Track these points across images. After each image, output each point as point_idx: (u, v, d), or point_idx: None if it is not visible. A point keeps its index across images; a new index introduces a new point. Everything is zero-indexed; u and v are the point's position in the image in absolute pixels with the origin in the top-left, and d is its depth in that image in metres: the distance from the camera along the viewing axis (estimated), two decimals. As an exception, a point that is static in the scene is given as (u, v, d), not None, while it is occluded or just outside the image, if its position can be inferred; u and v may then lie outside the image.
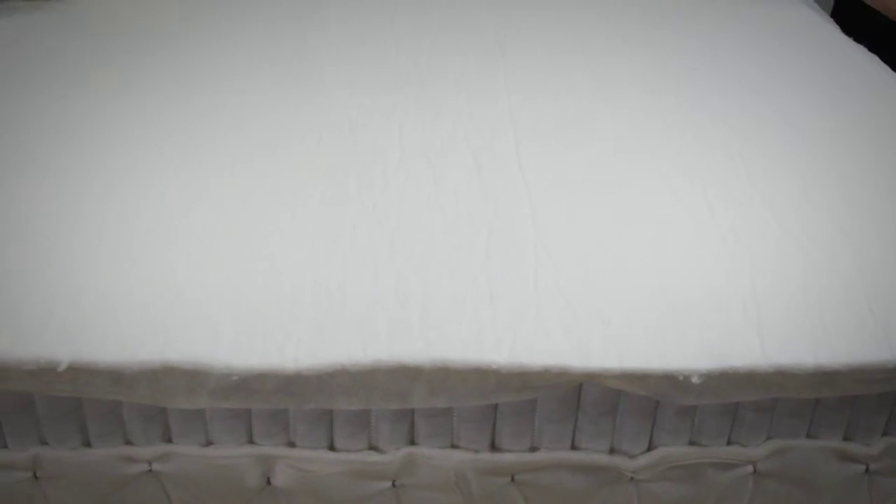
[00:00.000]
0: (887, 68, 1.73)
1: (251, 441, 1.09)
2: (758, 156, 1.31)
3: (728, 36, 1.84)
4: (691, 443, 1.09)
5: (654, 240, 1.09)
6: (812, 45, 1.83)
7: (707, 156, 1.31)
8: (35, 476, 1.09)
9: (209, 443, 1.09)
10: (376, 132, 1.31)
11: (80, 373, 0.97)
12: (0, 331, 0.97)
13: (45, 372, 0.96)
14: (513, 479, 1.10)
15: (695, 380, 0.96)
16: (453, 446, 1.09)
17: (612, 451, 1.10)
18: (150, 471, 1.09)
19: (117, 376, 0.98)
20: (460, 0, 1.91)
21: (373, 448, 1.09)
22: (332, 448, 1.09)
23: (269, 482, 1.10)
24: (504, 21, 1.84)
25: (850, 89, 1.58)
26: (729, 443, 1.10)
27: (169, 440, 1.09)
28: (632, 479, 1.11)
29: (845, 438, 1.11)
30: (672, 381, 0.97)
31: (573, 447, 1.10)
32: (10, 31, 1.67)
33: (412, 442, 1.09)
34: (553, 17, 1.84)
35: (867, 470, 1.12)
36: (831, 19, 2.08)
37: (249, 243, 1.05)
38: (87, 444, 1.09)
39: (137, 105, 1.38)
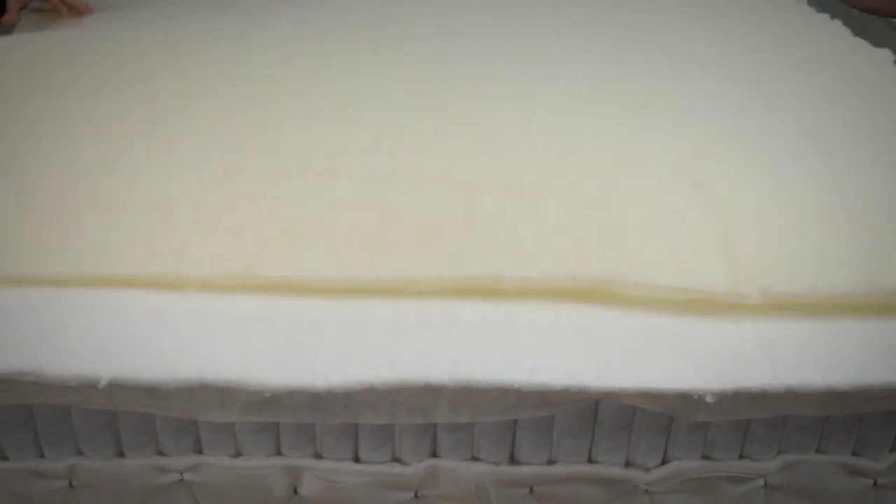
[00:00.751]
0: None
1: (279, 452, 1.13)
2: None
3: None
4: (704, 457, 1.13)
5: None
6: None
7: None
8: (71, 485, 1.13)
9: (238, 454, 1.13)
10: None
11: (117, 388, 1.01)
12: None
13: (85, 387, 1.00)
14: (531, 491, 1.14)
15: (708, 399, 1.00)
16: (474, 459, 1.13)
17: (627, 464, 1.14)
18: (182, 480, 1.13)
19: (153, 391, 1.02)
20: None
21: (396, 460, 1.13)
22: (356, 460, 1.13)
23: (295, 492, 1.14)
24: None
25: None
26: (741, 457, 1.13)
27: (200, 451, 1.13)
28: (646, 491, 1.14)
29: (854, 454, 1.14)
30: (686, 400, 1.01)
31: (590, 460, 1.13)
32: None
33: (434, 454, 1.13)
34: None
35: (875, 484, 1.15)
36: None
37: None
38: (121, 455, 1.13)
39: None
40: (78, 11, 1.77)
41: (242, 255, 1.07)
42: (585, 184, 1.17)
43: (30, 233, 1.10)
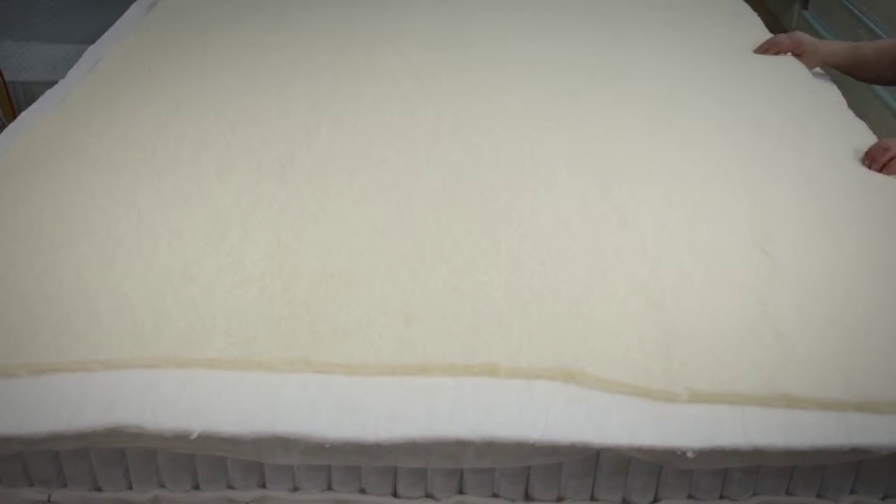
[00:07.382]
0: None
1: (330, 488, 1.32)
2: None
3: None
4: (690, 496, 1.31)
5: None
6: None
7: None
8: (154, 513, 1.35)
9: (296, 488, 1.32)
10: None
11: (201, 438, 1.21)
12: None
13: (179, 438, 1.21)
14: (543, 523, 1.34)
15: (689, 455, 1.20)
16: (494, 496, 1.32)
17: (624, 502, 1.32)
18: (248, 510, 1.34)
19: (229, 440, 1.22)
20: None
21: (429, 496, 1.32)
22: (395, 495, 1.32)
23: (343, 521, 1.35)
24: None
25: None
26: (721, 497, 1.31)
27: (263, 486, 1.32)
28: (640, 524, 1.34)
29: (818, 496, 1.31)
30: (672, 454, 1.21)
31: (592, 498, 1.32)
32: None
33: (461, 491, 1.32)
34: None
35: (836, 522, 1.34)
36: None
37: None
38: (197, 488, 1.33)
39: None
40: None
41: (299, 346, 1.30)
42: (563, 296, 1.39)
43: (129, 326, 1.32)
